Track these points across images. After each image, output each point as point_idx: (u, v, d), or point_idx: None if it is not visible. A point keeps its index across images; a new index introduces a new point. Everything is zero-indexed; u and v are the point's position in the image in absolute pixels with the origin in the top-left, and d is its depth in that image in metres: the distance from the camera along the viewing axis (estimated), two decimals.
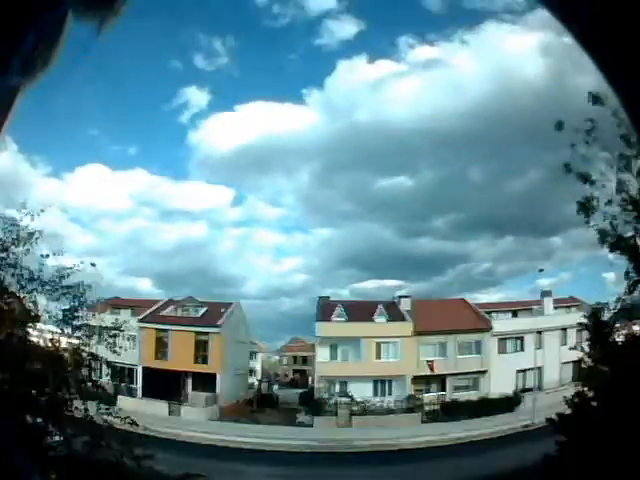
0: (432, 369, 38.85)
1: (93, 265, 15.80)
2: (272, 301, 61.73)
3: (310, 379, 45.63)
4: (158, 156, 54.78)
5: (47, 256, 13.95)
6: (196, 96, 41.11)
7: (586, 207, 14.78)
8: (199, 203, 47.13)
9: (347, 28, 46.05)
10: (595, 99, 13.59)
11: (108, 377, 22.41)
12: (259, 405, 42.11)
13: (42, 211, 14.30)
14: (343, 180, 46.72)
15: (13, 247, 13.22)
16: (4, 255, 13.07)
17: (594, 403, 13.33)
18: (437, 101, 44.11)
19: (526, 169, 48.13)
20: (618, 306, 15.09)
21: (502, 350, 40.59)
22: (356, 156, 45.21)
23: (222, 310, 42.47)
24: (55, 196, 41.52)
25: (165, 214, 54.05)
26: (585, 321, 15.83)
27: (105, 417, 13.25)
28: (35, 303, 13.40)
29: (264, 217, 56.41)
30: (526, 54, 42.97)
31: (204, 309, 42.75)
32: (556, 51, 39.81)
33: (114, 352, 16.94)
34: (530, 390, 35.86)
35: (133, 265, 49.43)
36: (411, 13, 46.21)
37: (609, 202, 14.58)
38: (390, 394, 38.80)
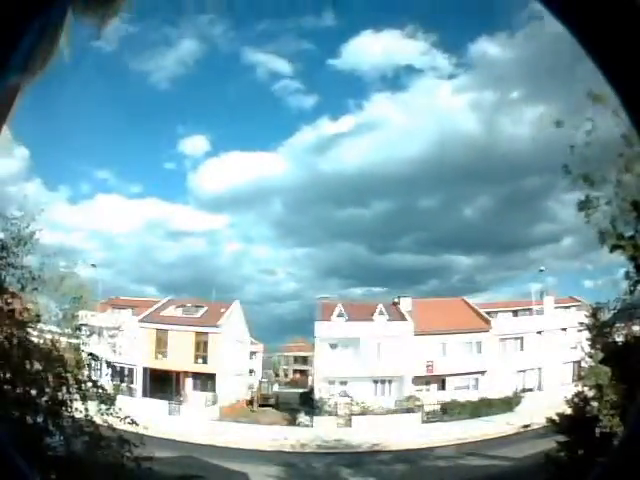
0: (432, 369, 38.84)
1: (93, 266, 15.84)
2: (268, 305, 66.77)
3: (310, 379, 45.63)
4: (162, 191, 68.47)
5: (47, 256, 13.97)
6: (195, 146, 54.32)
7: (586, 207, 14.78)
8: (199, 225, 53.92)
9: (308, 100, 59.33)
10: (595, 98, 13.59)
11: (108, 377, 22.40)
12: (259, 405, 42.13)
13: (42, 210, 14.33)
14: (311, 212, 57.13)
15: (14, 247, 13.23)
16: (4, 255, 13.07)
17: (594, 403, 13.33)
18: (385, 151, 52.89)
19: (474, 198, 56.29)
20: (618, 306, 15.08)
21: (502, 350, 40.59)
22: (320, 194, 55.07)
23: (222, 310, 42.47)
24: (78, 220, 47.89)
25: (171, 234, 62.18)
26: (585, 321, 15.84)
27: (105, 417, 13.26)
28: (35, 303, 13.40)
29: (254, 237, 67.69)
30: (459, 109, 51.35)
31: (204, 309, 42.77)
32: (485, 106, 51.01)
33: (114, 352, 16.98)
34: (530, 390, 35.86)
35: (141, 274, 57.17)
36: (356, 84, 55.89)
37: (609, 202, 14.58)
38: (390, 394, 38.81)
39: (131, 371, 38.43)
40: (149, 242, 58.41)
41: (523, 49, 48.88)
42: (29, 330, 12.95)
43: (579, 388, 14.68)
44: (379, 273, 57.45)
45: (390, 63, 55.88)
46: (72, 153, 45.98)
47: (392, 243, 62.73)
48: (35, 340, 12.98)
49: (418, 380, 38.81)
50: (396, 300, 43.28)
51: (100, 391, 14.33)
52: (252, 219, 59.56)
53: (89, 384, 14.05)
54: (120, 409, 14.22)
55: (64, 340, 14.14)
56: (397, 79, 58.32)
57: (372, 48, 51.48)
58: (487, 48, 51.62)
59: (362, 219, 56.36)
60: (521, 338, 40.64)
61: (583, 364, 16.18)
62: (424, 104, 52.03)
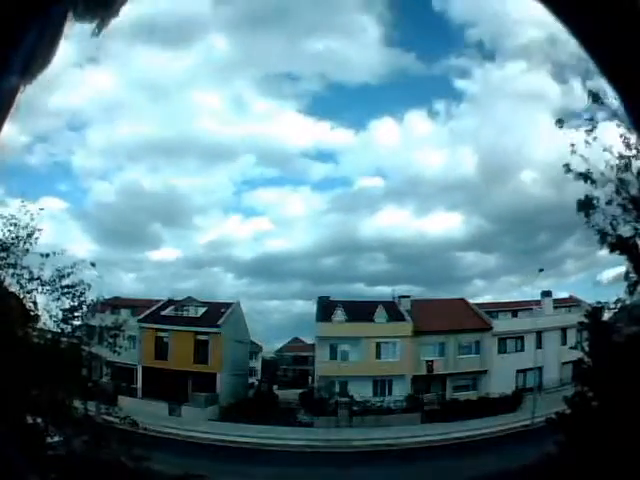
0: (432, 369, 38.83)
1: (93, 265, 15.80)
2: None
3: (310, 379, 45.58)
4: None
5: (47, 255, 13.96)
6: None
7: (586, 207, 14.77)
8: None
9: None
10: (595, 98, 13.59)
11: (108, 377, 22.41)
12: (259, 405, 42.06)
13: (41, 209, 14.33)
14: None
15: (13, 247, 13.23)
16: (4, 255, 13.07)
17: (594, 403, 13.32)
18: None
19: None
20: (618, 306, 15.08)
21: (502, 350, 40.56)
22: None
23: (222, 310, 42.43)
24: None
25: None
26: (585, 321, 15.83)
27: (105, 417, 13.26)
28: (35, 303, 13.40)
29: None
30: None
31: (204, 309, 42.73)
32: None
33: (114, 352, 16.96)
34: (530, 390, 35.83)
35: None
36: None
37: (609, 202, 14.58)
38: (390, 394, 38.78)
39: (131, 371, 38.41)
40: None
41: None
42: (29, 330, 12.96)
43: (579, 388, 14.69)
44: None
45: None
46: None
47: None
48: (35, 340, 12.99)
49: (418, 380, 38.79)
50: (396, 300, 43.25)
51: (100, 391, 14.33)
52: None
53: (89, 384, 14.06)
54: (120, 409, 14.23)
55: (64, 340, 14.12)
56: None
57: None
58: None
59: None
60: (521, 338, 40.63)
61: (583, 364, 16.18)
62: None
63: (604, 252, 15.01)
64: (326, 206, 44.05)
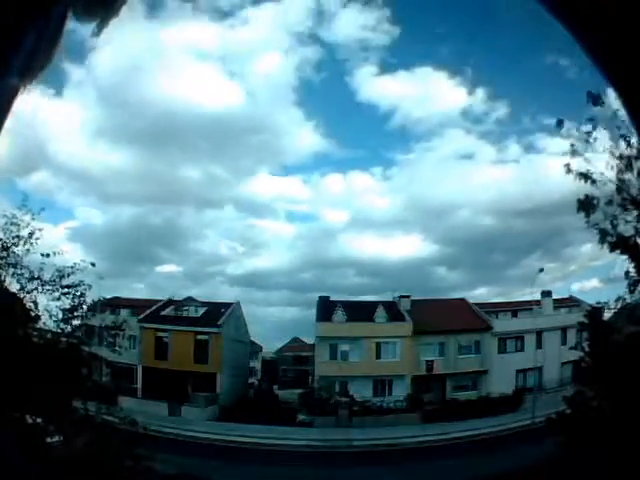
0: (432, 369, 38.85)
1: (93, 265, 15.79)
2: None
3: (310, 379, 45.60)
4: None
5: (47, 255, 13.96)
6: None
7: (586, 206, 14.77)
8: None
9: None
10: (595, 99, 13.59)
11: (108, 377, 22.40)
12: (259, 405, 42.06)
13: (43, 209, 14.35)
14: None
15: (13, 247, 13.23)
16: (4, 254, 13.08)
17: (594, 403, 13.33)
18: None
19: None
20: (618, 306, 15.08)
21: (502, 350, 40.59)
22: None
23: (222, 310, 42.46)
24: None
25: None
26: (585, 321, 15.84)
27: (105, 417, 13.26)
28: (35, 303, 13.40)
29: None
30: None
31: (204, 309, 42.75)
32: None
33: (114, 352, 16.96)
34: (530, 390, 35.84)
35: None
36: None
37: (609, 202, 14.58)
38: (390, 394, 38.80)
39: (131, 371, 38.42)
40: None
41: None
42: (29, 330, 12.96)
43: (579, 388, 14.70)
44: None
45: None
46: None
47: None
48: (35, 340, 12.99)
49: (418, 380, 38.81)
50: (396, 300, 43.27)
51: (100, 391, 14.33)
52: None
53: (89, 384, 14.06)
54: (120, 409, 14.22)
55: (64, 340, 14.12)
56: None
57: None
58: None
59: None
60: (521, 338, 40.65)
61: (583, 364, 16.18)
62: None
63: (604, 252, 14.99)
64: (297, 234, 54.05)
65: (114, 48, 39.12)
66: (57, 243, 14.41)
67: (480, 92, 51.77)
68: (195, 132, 44.41)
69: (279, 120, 50.19)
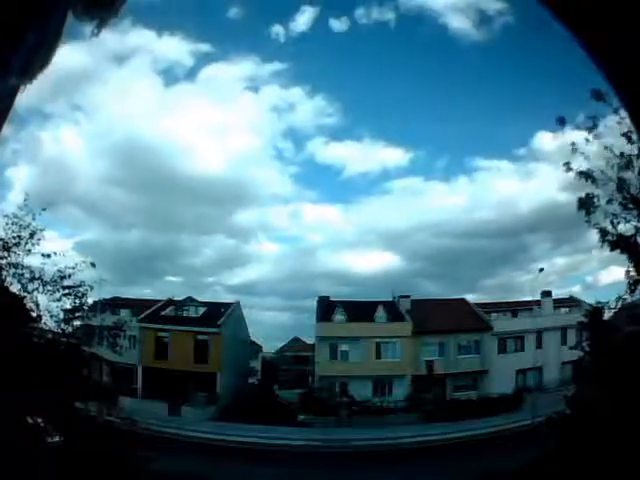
0: (432, 369, 38.84)
1: (93, 265, 15.78)
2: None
3: (310, 379, 45.62)
4: None
5: (48, 256, 13.94)
6: None
7: (586, 205, 14.76)
8: None
9: None
10: (597, 96, 13.57)
11: (108, 377, 22.42)
12: (259, 405, 42.05)
13: (44, 210, 14.33)
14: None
15: (15, 247, 13.22)
16: (6, 254, 13.07)
17: (594, 403, 13.32)
18: None
19: None
20: (618, 305, 15.08)
21: (502, 350, 40.60)
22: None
23: (222, 310, 42.47)
24: None
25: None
26: (585, 321, 15.83)
27: (105, 417, 13.26)
28: (36, 303, 13.39)
29: None
30: None
31: (204, 309, 42.77)
32: None
33: (115, 352, 16.96)
34: (530, 390, 35.84)
35: None
36: None
37: (610, 201, 14.57)
38: (390, 394, 38.81)
39: (131, 371, 38.43)
40: None
41: None
42: (30, 330, 12.96)
43: (579, 388, 14.68)
44: None
45: None
46: None
47: None
48: (36, 340, 12.98)
49: (418, 380, 38.81)
50: (396, 300, 43.28)
51: (100, 391, 14.33)
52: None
53: (89, 384, 14.06)
54: (120, 409, 14.22)
55: (65, 340, 14.11)
56: None
57: None
58: None
59: None
60: (521, 338, 40.66)
61: (583, 364, 16.18)
62: None
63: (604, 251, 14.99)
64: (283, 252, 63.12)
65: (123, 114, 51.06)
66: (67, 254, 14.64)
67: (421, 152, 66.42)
68: (188, 186, 54.28)
69: (258, 178, 60.80)
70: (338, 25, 60.05)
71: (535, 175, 60.54)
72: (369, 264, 65.03)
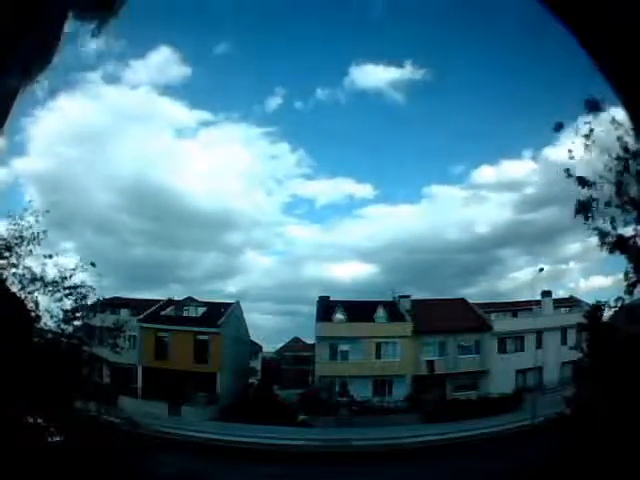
0: (432, 369, 38.85)
1: (93, 265, 15.79)
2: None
3: (310, 379, 45.63)
4: None
5: (50, 256, 13.95)
6: None
7: (585, 208, 14.76)
8: None
9: None
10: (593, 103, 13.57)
11: (108, 377, 22.40)
12: (259, 405, 42.06)
13: (47, 212, 14.35)
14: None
15: (16, 247, 13.22)
16: (7, 254, 13.07)
17: (594, 403, 13.32)
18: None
19: None
20: (618, 306, 15.07)
21: (502, 350, 40.60)
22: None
23: (222, 310, 42.47)
24: None
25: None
26: (584, 321, 15.83)
27: (105, 417, 13.26)
28: (37, 303, 13.39)
29: None
30: None
31: (204, 309, 42.77)
32: None
33: (115, 352, 16.96)
34: (530, 390, 35.84)
35: None
36: None
37: (608, 203, 14.57)
38: (390, 394, 38.81)
39: (131, 371, 38.42)
40: None
41: None
42: (30, 330, 12.95)
43: (579, 388, 14.69)
44: None
45: None
46: None
47: None
48: (36, 340, 12.98)
49: (418, 380, 38.81)
50: (396, 300, 43.28)
51: (100, 391, 14.32)
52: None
53: (89, 384, 14.05)
54: (120, 409, 14.22)
55: (65, 340, 14.12)
56: None
57: None
58: None
59: None
60: (521, 338, 40.66)
61: (583, 364, 16.17)
62: None
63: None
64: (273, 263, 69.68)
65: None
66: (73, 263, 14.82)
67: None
68: (187, 216, 60.96)
69: (246, 208, 67.73)
70: (316, 98, 68.34)
71: (486, 200, 66.39)
72: (353, 272, 70.82)
